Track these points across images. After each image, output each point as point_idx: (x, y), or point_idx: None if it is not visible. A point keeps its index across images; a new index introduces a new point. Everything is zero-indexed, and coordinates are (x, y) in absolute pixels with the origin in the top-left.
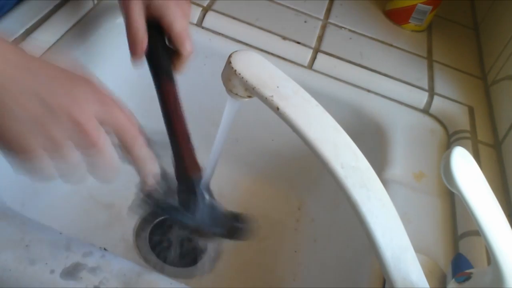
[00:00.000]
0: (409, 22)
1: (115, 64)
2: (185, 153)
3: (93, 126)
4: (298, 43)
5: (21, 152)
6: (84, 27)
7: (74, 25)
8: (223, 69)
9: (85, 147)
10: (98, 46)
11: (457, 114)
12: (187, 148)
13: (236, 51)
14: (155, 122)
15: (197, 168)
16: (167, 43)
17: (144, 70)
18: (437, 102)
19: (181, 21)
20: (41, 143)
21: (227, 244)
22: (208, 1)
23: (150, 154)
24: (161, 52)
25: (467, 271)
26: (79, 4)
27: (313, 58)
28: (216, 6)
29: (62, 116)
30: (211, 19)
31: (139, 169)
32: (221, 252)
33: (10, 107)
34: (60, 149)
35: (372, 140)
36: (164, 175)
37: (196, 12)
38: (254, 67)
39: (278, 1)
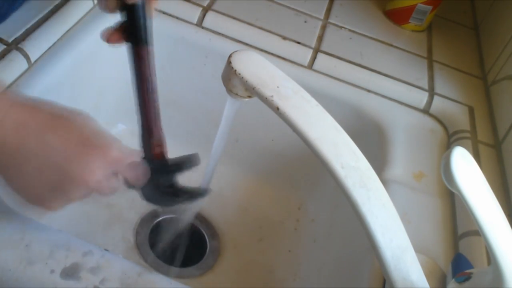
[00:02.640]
0: (409, 22)
1: (115, 64)
2: (152, 130)
3: (106, 186)
4: (298, 43)
5: (41, 207)
6: (84, 27)
7: (74, 25)
8: (223, 69)
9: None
10: (98, 46)
11: (457, 114)
12: (156, 126)
13: (236, 51)
14: None
15: (160, 147)
16: None
17: None
18: (437, 102)
19: None
20: (61, 204)
21: (227, 244)
22: (208, 1)
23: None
24: (139, 12)
25: (467, 271)
26: (79, 4)
27: (313, 58)
28: (216, 6)
29: (79, 182)
30: (211, 19)
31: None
32: (221, 252)
33: (32, 175)
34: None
35: (372, 140)
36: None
37: (196, 12)
38: (254, 67)
39: (278, 1)
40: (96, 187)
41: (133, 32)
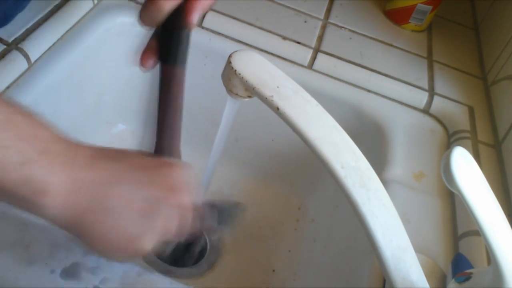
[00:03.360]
0: (409, 22)
1: (115, 64)
2: (168, 148)
3: (191, 207)
4: (298, 43)
5: (135, 253)
6: (84, 27)
7: (74, 25)
8: (223, 69)
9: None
10: (98, 46)
11: (457, 114)
12: (174, 144)
13: (236, 51)
14: (155, 121)
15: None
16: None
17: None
18: (437, 102)
19: None
20: (153, 238)
21: (227, 244)
22: None
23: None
24: (184, 31)
25: (467, 271)
26: (79, 4)
27: (313, 58)
28: (216, 6)
29: (163, 202)
30: (211, 19)
31: None
32: (221, 252)
33: (112, 208)
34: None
35: (372, 140)
36: None
37: None
38: (254, 67)
39: (278, 1)
40: (186, 210)
41: (172, 53)
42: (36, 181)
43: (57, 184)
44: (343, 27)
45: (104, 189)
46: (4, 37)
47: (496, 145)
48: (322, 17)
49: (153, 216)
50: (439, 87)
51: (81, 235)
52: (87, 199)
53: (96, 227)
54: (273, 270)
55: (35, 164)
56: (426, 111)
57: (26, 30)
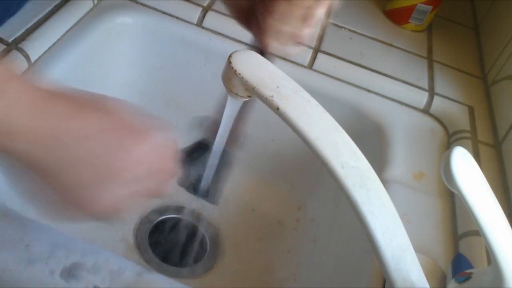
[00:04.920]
0: (409, 22)
1: (115, 64)
2: None
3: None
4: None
5: (112, 215)
6: (84, 27)
7: (74, 25)
8: (223, 69)
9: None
10: (98, 46)
11: (457, 114)
12: None
13: (236, 51)
14: None
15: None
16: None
17: (144, 70)
18: (437, 102)
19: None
20: (124, 201)
21: (227, 244)
22: (208, 1)
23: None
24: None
25: (467, 271)
26: (79, 4)
27: (313, 58)
28: (216, 6)
29: (142, 167)
30: (211, 19)
31: None
32: (221, 252)
33: (72, 172)
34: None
35: (372, 140)
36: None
37: (196, 12)
38: (254, 67)
39: None
40: (170, 179)
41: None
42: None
43: (30, 127)
44: (343, 27)
45: (83, 143)
46: (4, 37)
47: (496, 145)
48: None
49: (130, 179)
50: (439, 87)
51: (46, 181)
52: (63, 149)
53: (65, 178)
54: (273, 271)
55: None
56: (426, 111)
57: (26, 30)
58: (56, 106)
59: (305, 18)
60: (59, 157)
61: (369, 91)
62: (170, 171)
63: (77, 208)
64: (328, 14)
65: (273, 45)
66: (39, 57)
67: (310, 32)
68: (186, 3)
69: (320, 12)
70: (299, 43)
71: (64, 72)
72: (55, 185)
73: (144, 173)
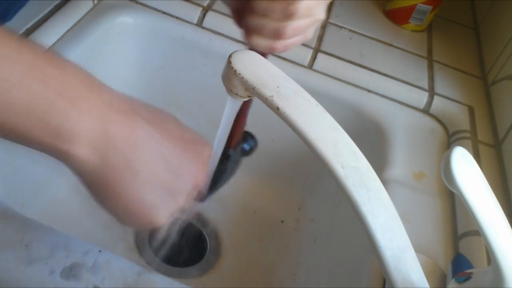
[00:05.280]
0: (409, 22)
1: (115, 64)
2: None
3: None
4: None
5: (148, 220)
6: (84, 27)
7: (74, 25)
8: (223, 69)
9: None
10: (98, 46)
11: (457, 114)
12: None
13: (236, 51)
14: None
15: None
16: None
17: (144, 70)
18: (437, 102)
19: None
20: (168, 211)
21: (227, 244)
22: (208, 1)
23: None
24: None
25: (467, 271)
26: (79, 4)
27: (313, 58)
28: (216, 6)
29: (186, 179)
30: (211, 19)
31: None
32: (221, 252)
33: (139, 172)
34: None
35: (372, 140)
36: None
37: (196, 12)
38: (254, 67)
39: None
40: (198, 187)
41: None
42: (64, 128)
43: (85, 132)
44: (343, 27)
45: (136, 150)
46: None
47: (496, 145)
48: None
49: (176, 191)
50: (439, 87)
51: (100, 192)
52: (116, 156)
53: (118, 187)
54: (273, 270)
55: (64, 111)
56: (426, 111)
57: (26, 30)
58: (134, 108)
59: (288, 13)
60: (132, 152)
61: (369, 91)
62: (201, 186)
63: (133, 216)
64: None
65: (257, 41)
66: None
67: (295, 28)
68: (186, 3)
69: (303, 6)
70: (284, 38)
71: None
72: (110, 196)
73: (190, 187)
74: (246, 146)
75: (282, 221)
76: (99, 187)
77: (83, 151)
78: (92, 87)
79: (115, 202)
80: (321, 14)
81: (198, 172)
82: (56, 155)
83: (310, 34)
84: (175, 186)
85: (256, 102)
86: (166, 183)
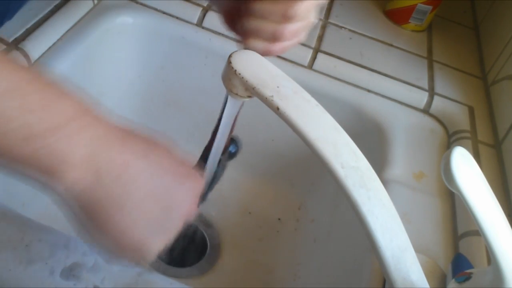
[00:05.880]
0: (409, 22)
1: (115, 64)
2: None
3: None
4: None
5: (140, 251)
6: (84, 27)
7: (74, 25)
8: (223, 69)
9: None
10: (98, 46)
11: (457, 114)
12: None
13: (236, 51)
14: (155, 121)
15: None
16: None
17: (144, 70)
18: (437, 102)
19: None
20: (162, 241)
21: (227, 244)
22: (208, 1)
23: None
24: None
25: (467, 271)
26: (79, 4)
27: (313, 58)
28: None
29: (177, 216)
30: (211, 19)
31: None
32: (221, 252)
33: (130, 212)
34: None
35: (372, 140)
36: None
37: (196, 12)
38: (254, 67)
39: None
40: (187, 222)
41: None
42: (56, 150)
43: (78, 156)
44: (343, 27)
45: (127, 189)
46: (4, 37)
47: (496, 145)
48: (322, 17)
49: (166, 228)
50: (439, 87)
51: (90, 221)
52: (109, 183)
53: (110, 216)
54: (273, 270)
55: (58, 134)
56: (426, 111)
57: (26, 30)
58: (128, 142)
59: (287, 16)
60: (124, 191)
61: (369, 91)
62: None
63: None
64: (319, 10)
65: (254, 44)
66: (39, 57)
67: (293, 30)
68: (186, 3)
69: (302, 8)
70: (281, 41)
71: (64, 72)
72: (104, 223)
73: (181, 223)
74: (232, 149)
75: (282, 221)
76: (89, 215)
77: (74, 173)
78: (85, 119)
79: (106, 233)
80: (314, 17)
81: (190, 207)
82: (42, 176)
83: (304, 36)
84: (166, 223)
85: (256, 102)
86: (157, 221)
